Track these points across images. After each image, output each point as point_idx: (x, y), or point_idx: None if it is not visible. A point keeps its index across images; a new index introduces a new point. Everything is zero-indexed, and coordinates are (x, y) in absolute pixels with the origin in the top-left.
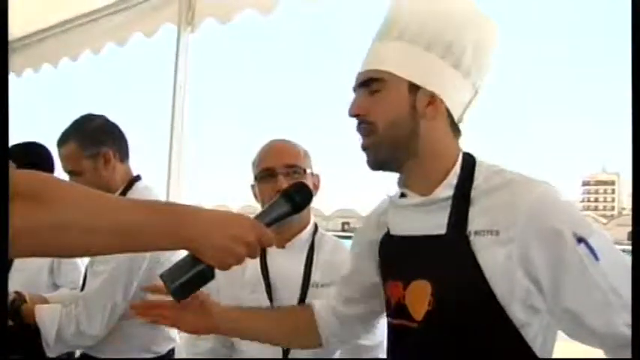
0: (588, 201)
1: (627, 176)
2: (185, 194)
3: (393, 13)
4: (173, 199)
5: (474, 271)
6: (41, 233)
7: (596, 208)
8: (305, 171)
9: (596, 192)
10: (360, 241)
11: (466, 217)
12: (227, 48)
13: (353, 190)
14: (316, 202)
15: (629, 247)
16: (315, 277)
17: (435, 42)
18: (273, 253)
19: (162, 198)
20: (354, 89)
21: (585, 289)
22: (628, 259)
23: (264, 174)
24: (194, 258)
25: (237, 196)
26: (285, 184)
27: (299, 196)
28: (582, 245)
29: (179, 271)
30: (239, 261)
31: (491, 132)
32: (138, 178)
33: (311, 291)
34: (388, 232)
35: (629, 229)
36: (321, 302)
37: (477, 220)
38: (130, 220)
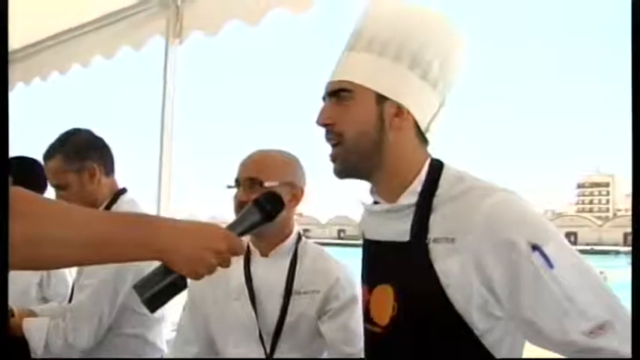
0: (583, 203)
1: (621, 177)
2: (175, 206)
3: (363, 24)
4: (164, 210)
5: (431, 279)
6: (14, 247)
7: (591, 210)
8: (262, 184)
9: (591, 194)
10: None
11: (427, 224)
12: (215, 58)
13: (348, 198)
14: (312, 211)
15: (625, 249)
16: (298, 285)
17: (403, 52)
18: (256, 261)
19: (149, 210)
20: (324, 98)
21: (540, 298)
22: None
23: (234, 185)
24: (166, 268)
25: (229, 208)
26: (244, 196)
27: (270, 204)
28: (537, 253)
29: (151, 282)
30: (210, 271)
31: (485, 135)
32: (123, 191)
33: (294, 299)
34: (364, 235)
35: (625, 230)
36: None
37: (436, 227)
38: (101, 232)
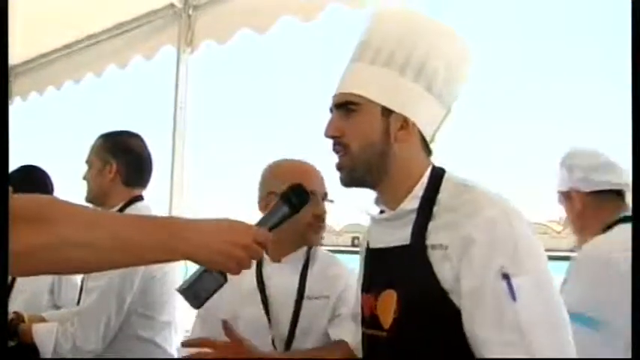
0: None
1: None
2: (188, 214)
3: (369, 35)
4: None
5: (431, 281)
6: (37, 253)
7: None
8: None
9: None
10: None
11: (426, 229)
12: (226, 66)
13: (361, 206)
14: (327, 219)
15: None
16: (310, 290)
17: (407, 65)
18: (269, 266)
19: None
20: (331, 110)
21: (495, 323)
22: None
23: (311, 197)
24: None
25: (240, 214)
26: (324, 211)
27: (295, 197)
28: (504, 282)
29: (192, 282)
30: (242, 264)
31: (497, 140)
32: (140, 197)
33: (305, 304)
34: (368, 245)
35: None
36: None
37: (434, 234)
38: (126, 235)
